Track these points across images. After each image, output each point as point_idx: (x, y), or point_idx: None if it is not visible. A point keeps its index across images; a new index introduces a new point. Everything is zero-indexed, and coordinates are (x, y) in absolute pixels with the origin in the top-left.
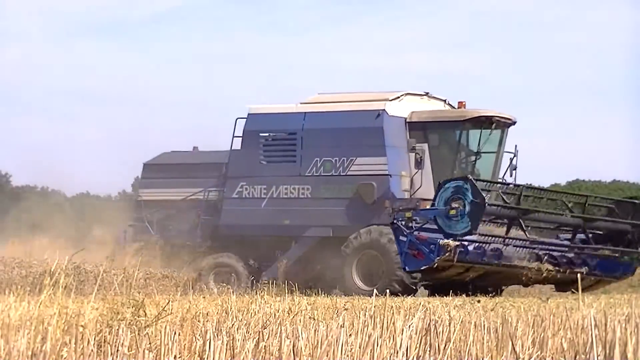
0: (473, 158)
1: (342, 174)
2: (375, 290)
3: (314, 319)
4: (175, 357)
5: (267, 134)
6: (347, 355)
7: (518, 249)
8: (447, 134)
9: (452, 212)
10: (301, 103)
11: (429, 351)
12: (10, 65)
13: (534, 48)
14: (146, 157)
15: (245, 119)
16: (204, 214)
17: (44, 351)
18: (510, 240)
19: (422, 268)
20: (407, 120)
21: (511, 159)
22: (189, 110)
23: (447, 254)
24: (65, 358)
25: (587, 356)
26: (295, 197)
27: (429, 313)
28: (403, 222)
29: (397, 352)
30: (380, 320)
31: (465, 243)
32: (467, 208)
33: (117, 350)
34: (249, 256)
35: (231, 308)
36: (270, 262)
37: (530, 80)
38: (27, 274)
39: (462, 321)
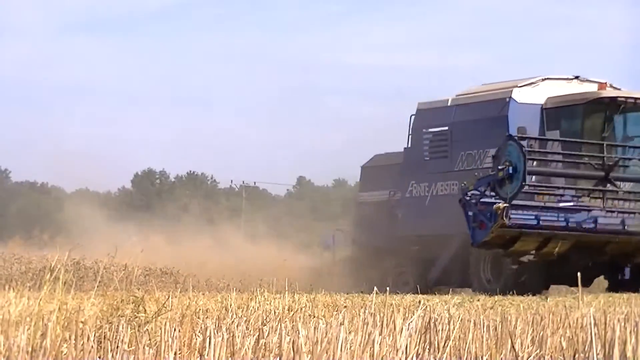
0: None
1: (479, 167)
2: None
3: (314, 317)
4: (175, 353)
5: (428, 130)
6: (347, 353)
7: None
8: (572, 118)
9: (500, 173)
10: (456, 95)
11: (429, 349)
12: (13, 61)
13: (534, 45)
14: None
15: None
16: (391, 214)
17: (44, 347)
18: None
19: (484, 240)
20: (543, 106)
21: None
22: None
23: (499, 219)
24: (65, 354)
25: (586, 355)
26: (447, 193)
27: (429, 311)
28: (468, 197)
29: (397, 350)
30: (380, 318)
31: (533, 212)
32: (511, 171)
33: (117, 347)
34: (419, 256)
35: (231, 305)
36: (435, 261)
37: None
38: (26, 270)
39: (461, 319)
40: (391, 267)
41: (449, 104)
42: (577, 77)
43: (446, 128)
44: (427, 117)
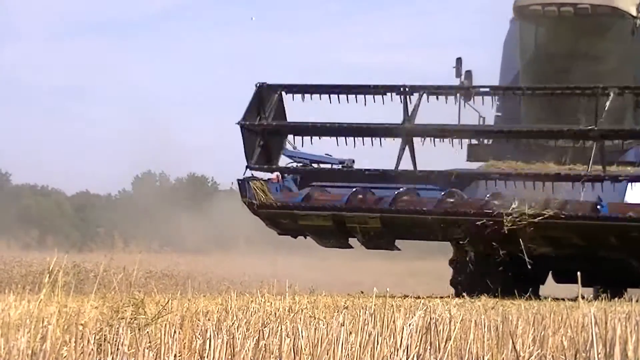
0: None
1: None
2: None
3: (315, 318)
4: (175, 355)
5: None
6: (348, 354)
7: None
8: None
9: None
10: None
11: (430, 349)
12: (13, 63)
13: None
14: None
15: None
16: None
17: (44, 350)
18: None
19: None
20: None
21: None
22: None
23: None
24: (65, 357)
25: (588, 354)
26: None
27: (430, 311)
28: None
29: (398, 351)
30: (381, 319)
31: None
32: None
33: (117, 350)
34: None
35: (231, 307)
36: None
37: None
38: (27, 273)
39: (462, 319)
40: None
41: None
42: None
43: None
44: None
